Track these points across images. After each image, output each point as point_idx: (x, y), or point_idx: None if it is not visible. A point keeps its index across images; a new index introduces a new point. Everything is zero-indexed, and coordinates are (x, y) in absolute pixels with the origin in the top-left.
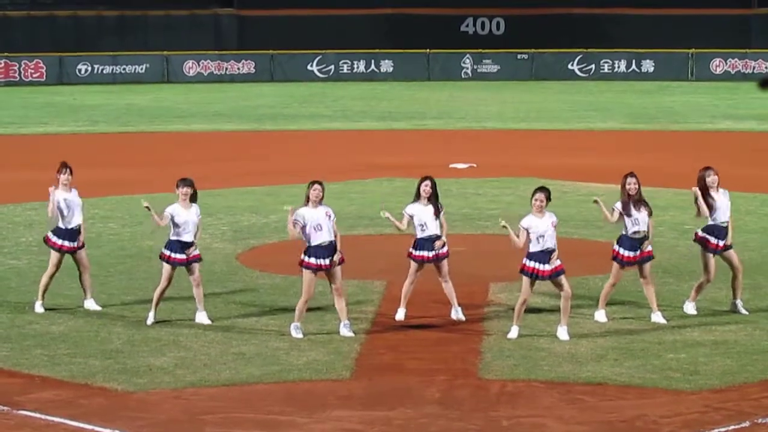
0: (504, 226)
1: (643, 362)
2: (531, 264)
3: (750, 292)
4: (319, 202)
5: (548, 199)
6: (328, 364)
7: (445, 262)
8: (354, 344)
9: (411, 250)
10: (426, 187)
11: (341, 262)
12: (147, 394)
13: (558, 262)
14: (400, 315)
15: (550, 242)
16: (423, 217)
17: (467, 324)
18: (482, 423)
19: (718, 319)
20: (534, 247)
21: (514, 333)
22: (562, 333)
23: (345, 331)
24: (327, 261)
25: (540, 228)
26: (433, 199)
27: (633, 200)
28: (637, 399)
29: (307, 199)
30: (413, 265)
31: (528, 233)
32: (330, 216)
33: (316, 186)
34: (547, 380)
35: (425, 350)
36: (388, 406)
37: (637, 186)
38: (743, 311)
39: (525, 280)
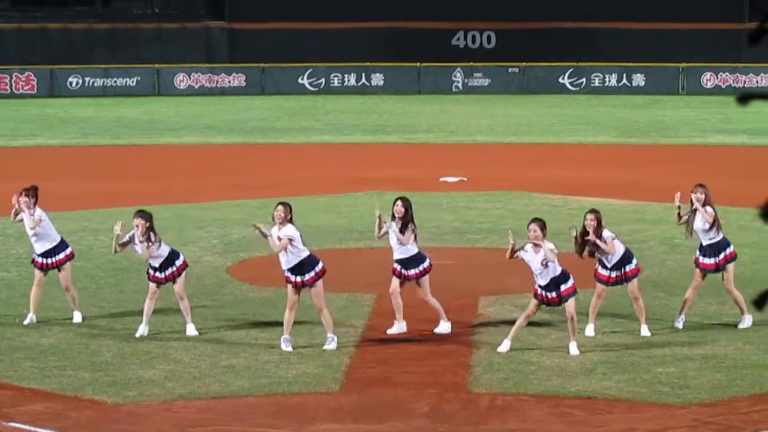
0: (512, 244)
1: (633, 376)
2: (540, 291)
3: None
4: (285, 221)
5: (543, 228)
6: (318, 377)
7: (423, 280)
8: (343, 357)
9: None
10: (396, 207)
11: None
12: (136, 407)
13: (568, 284)
14: (395, 329)
15: (551, 272)
16: (391, 239)
17: (457, 337)
18: None
19: (708, 333)
20: (539, 280)
21: (505, 347)
22: (572, 348)
23: (326, 345)
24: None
25: (534, 265)
26: (406, 219)
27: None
28: (626, 413)
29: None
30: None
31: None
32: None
33: (279, 207)
34: (537, 394)
35: (415, 364)
36: (378, 419)
37: (594, 223)
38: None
39: (533, 301)
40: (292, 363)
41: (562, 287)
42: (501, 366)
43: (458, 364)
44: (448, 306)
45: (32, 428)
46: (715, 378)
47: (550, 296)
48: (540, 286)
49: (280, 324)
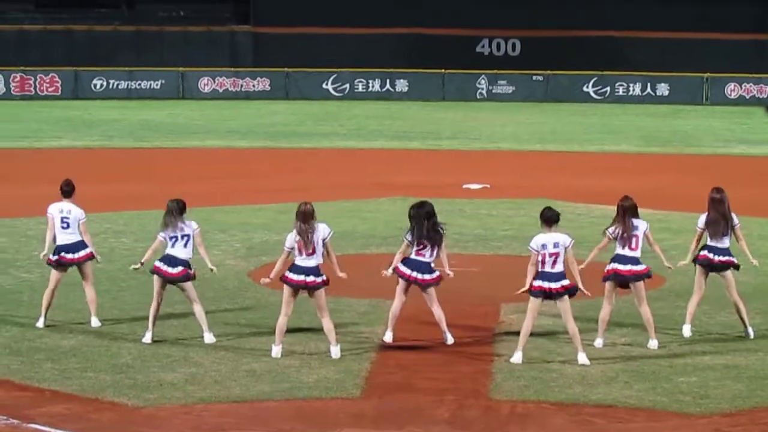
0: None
1: (654, 385)
2: (539, 283)
3: (763, 316)
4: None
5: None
6: (339, 382)
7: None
8: (364, 363)
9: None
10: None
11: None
12: (157, 410)
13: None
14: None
15: (559, 264)
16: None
17: (478, 345)
18: None
19: (730, 343)
20: (546, 266)
21: (517, 358)
22: (581, 358)
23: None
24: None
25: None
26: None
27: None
28: (647, 422)
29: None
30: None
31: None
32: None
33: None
34: (558, 402)
35: (435, 370)
36: (398, 425)
37: None
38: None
39: (533, 300)
40: (313, 368)
41: (559, 284)
42: (522, 373)
43: (479, 371)
44: (470, 313)
45: (52, 430)
46: (736, 388)
47: (554, 287)
48: (541, 274)
49: (302, 329)
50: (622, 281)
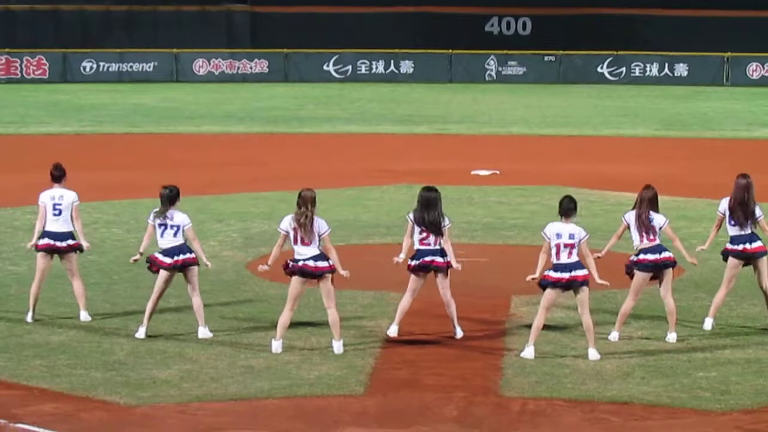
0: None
1: (672, 381)
2: (551, 273)
3: None
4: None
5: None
6: (341, 379)
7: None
8: (368, 358)
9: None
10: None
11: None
12: (151, 408)
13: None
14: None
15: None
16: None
17: (488, 339)
18: None
19: (752, 336)
20: (560, 257)
21: (529, 353)
22: (592, 353)
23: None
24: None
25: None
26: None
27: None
28: (665, 419)
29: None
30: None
31: None
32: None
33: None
34: (571, 399)
35: (443, 366)
36: (404, 423)
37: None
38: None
39: (548, 292)
40: (314, 364)
41: (580, 272)
42: (533, 369)
43: (488, 367)
44: (479, 305)
45: (41, 430)
46: (758, 383)
47: (565, 277)
48: (556, 266)
49: (302, 323)
50: (655, 269)
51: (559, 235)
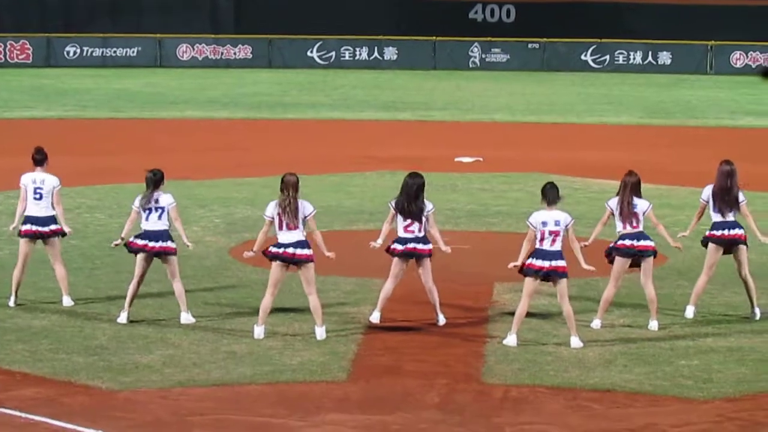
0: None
1: (654, 369)
2: (532, 261)
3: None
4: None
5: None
6: (323, 365)
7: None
8: (351, 345)
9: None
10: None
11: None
12: (133, 394)
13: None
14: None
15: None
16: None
17: (470, 326)
18: (484, 430)
19: (734, 324)
20: (544, 244)
21: (512, 341)
22: (574, 341)
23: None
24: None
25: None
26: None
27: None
28: (647, 407)
29: None
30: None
31: None
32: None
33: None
34: (553, 386)
35: (425, 352)
36: (386, 410)
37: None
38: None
39: (528, 281)
40: (296, 350)
41: (559, 263)
42: (516, 356)
43: (471, 354)
44: (462, 292)
45: (23, 414)
46: (740, 372)
47: (545, 266)
48: (537, 252)
49: (285, 309)
50: (635, 256)
51: (545, 223)
